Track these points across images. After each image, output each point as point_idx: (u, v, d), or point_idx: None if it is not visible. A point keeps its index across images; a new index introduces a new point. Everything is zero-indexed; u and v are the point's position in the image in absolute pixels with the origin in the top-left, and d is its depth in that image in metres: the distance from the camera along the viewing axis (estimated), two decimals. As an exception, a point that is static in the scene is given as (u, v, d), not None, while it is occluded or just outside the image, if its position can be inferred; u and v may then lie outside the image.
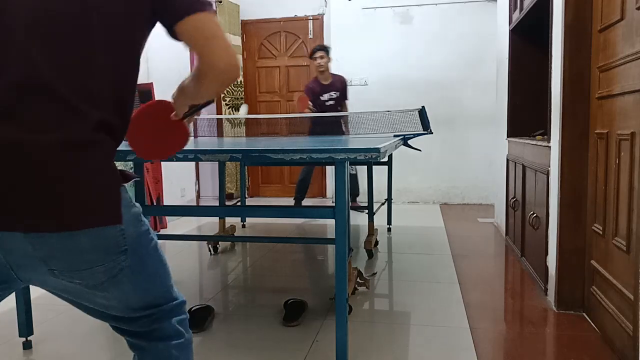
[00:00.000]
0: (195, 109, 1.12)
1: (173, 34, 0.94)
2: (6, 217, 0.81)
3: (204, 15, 0.92)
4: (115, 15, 0.88)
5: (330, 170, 5.94)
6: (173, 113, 1.11)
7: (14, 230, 0.82)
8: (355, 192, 5.10)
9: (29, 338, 2.03)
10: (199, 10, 0.92)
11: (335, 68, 5.81)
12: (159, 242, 1.05)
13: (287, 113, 5.99)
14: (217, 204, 4.35)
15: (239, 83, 5.95)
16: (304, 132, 4.92)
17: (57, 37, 0.84)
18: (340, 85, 4.85)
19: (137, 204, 0.98)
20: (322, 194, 6.10)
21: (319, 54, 4.76)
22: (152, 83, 4.34)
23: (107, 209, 0.87)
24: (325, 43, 5.86)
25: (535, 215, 2.74)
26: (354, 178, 5.08)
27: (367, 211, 3.55)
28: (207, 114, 6.06)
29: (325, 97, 4.80)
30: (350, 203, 4.99)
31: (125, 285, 0.96)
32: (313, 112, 4.63)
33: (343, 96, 4.88)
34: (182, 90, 1.07)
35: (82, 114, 0.84)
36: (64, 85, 0.83)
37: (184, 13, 0.91)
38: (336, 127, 4.64)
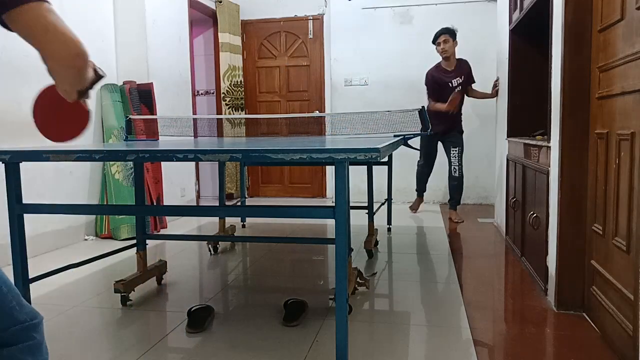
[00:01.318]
0: (85, 91, 1.07)
1: (2, 23, 0.87)
2: None
3: (36, 5, 0.87)
4: None
5: (330, 170, 5.94)
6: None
7: None
8: (455, 196, 4.71)
9: (29, 338, 2.03)
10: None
11: (335, 68, 5.83)
12: None
13: (287, 113, 5.99)
14: (217, 204, 4.35)
15: (239, 83, 5.95)
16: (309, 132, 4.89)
17: None
18: (465, 69, 4.52)
19: None
20: (322, 194, 6.11)
21: (442, 37, 4.37)
22: (152, 83, 4.34)
23: None
24: (326, 43, 5.87)
25: (535, 215, 2.74)
26: (457, 181, 4.65)
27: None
28: (207, 113, 6.07)
29: (453, 83, 4.48)
30: (450, 212, 4.76)
31: None
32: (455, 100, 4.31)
33: (468, 81, 4.57)
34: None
35: None
36: None
37: (17, 1, 0.85)
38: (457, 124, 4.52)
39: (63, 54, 0.89)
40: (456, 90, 4.44)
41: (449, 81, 4.50)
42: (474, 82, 4.65)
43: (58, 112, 1.13)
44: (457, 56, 4.58)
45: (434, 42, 4.52)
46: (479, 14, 5.35)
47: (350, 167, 1.82)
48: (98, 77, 1.06)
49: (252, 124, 6.04)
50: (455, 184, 4.64)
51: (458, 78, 4.50)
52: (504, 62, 3.85)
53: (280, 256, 3.55)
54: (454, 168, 4.61)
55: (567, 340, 2.09)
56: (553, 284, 2.40)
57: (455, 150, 4.60)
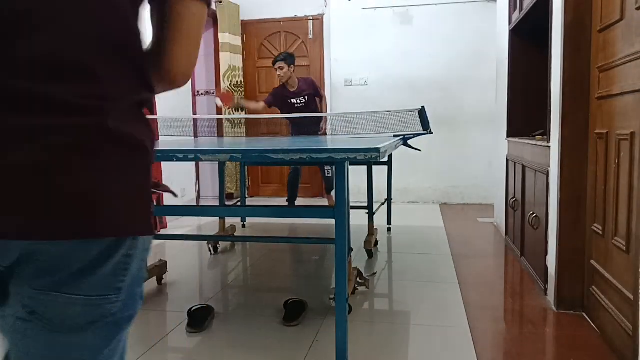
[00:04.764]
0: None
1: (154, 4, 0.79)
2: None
3: (201, 5, 0.77)
4: None
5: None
6: None
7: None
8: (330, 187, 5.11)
9: (29, 338, 2.03)
10: None
11: (335, 68, 5.83)
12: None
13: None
14: (217, 204, 4.35)
15: (239, 83, 5.95)
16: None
17: None
18: (308, 88, 4.81)
19: None
20: (322, 194, 6.10)
21: (277, 65, 4.67)
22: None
23: None
24: (326, 43, 5.88)
25: (535, 215, 2.74)
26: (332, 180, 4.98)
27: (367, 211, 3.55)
28: (207, 113, 6.07)
29: (294, 101, 4.79)
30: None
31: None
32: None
33: (315, 96, 4.84)
34: None
35: None
36: None
37: None
38: (313, 127, 4.69)
39: (182, 65, 0.78)
40: (296, 105, 4.77)
41: (289, 99, 4.79)
42: (320, 96, 4.89)
43: None
44: (306, 75, 5.07)
45: (273, 64, 4.79)
46: (479, 14, 5.35)
47: (350, 167, 1.82)
48: None
49: (252, 124, 6.04)
50: (331, 182, 4.87)
51: (301, 98, 4.78)
52: (504, 62, 3.84)
53: (280, 256, 3.55)
54: (328, 170, 4.83)
55: (566, 340, 2.09)
56: (553, 283, 2.40)
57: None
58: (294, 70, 4.73)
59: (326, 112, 4.93)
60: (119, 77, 0.68)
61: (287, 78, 4.69)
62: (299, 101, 4.78)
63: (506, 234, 3.78)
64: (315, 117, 4.67)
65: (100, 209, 0.63)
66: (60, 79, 0.63)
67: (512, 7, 3.58)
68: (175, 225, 4.56)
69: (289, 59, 4.70)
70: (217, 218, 3.81)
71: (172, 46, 0.77)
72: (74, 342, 0.68)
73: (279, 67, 4.67)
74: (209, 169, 6.05)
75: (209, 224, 4.51)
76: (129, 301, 0.72)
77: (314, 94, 4.84)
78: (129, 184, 0.67)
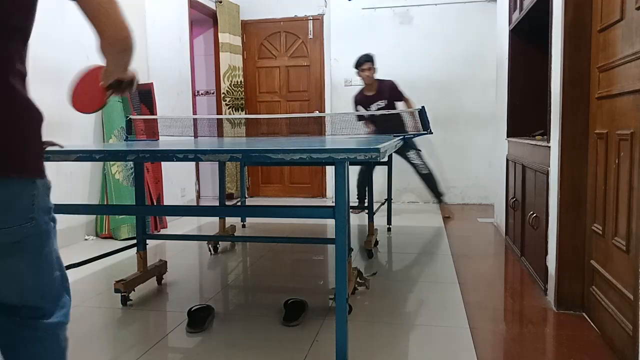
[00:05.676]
0: (120, 85, 1.23)
1: None
2: None
3: None
4: None
5: (330, 170, 5.94)
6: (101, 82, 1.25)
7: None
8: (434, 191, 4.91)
9: (29, 338, 2.03)
10: None
11: (335, 68, 5.83)
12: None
13: (287, 113, 6.00)
14: (217, 204, 4.35)
15: (239, 83, 5.95)
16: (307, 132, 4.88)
17: None
18: (386, 91, 4.62)
19: None
20: (322, 194, 6.11)
21: (367, 65, 4.54)
22: (152, 83, 4.34)
23: None
24: (326, 43, 5.89)
25: (535, 215, 2.74)
26: (428, 177, 4.83)
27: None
28: (207, 113, 6.08)
29: (373, 107, 4.62)
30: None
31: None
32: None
33: (395, 99, 4.64)
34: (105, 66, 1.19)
35: None
36: None
37: None
38: (398, 126, 4.35)
39: (115, 35, 1.03)
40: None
41: (367, 107, 4.65)
42: (401, 97, 4.67)
43: (86, 88, 1.33)
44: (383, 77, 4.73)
45: (356, 67, 4.63)
46: (479, 14, 5.35)
47: (350, 167, 1.82)
48: (134, 81, 1.24)
49: (252, 124, 6.04)
50: (429, 180, 4.83)
51: (379, 102, 4.63)
52: (503, 62, 3.85)
53: (280, 256, 3.55)
54: (421, 167, 4.79)
55: (566, 340, 2.09)
56: (553, 283, 2.40)
57: (412, 153, 4.80)
58: (375, 72, 4.63)
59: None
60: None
61: (373, 79, 4.58)
62: (377, 106, 4.57)
63: (506, 234, 3.78)
64: (393, 117, 4.31)
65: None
66: None
67: (512, 7, 3.58)
68: (175, 225, 4.57)
69: (373, 59, 4.58)
70: (217, 218, 3.81)
71: (100, 27, 1.03)
72: (17, 250, 1.01)
73: (368, 68, 4.54)
74: (209, 169, 6.06)
75: (209, 224, 4.51)
76: (42, 222, 1.04)
77: (393, 99, 4.61)
78: (24, 139, 0.98)
